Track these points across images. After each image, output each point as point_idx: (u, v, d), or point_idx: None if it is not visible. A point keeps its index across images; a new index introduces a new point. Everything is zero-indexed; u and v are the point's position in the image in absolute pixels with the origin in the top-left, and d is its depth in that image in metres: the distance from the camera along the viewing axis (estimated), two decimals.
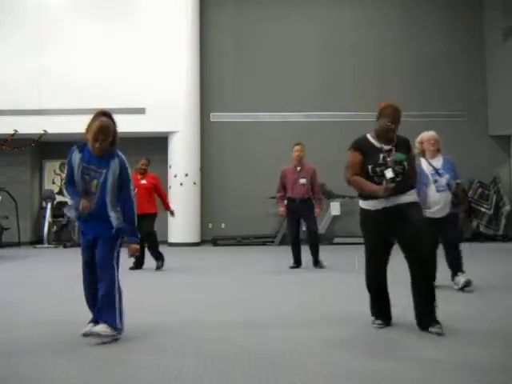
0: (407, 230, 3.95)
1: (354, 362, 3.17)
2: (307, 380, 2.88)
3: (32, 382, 2.92)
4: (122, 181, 3.85)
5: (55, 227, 13.36)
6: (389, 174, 3.94)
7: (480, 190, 13.04)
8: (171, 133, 12.81)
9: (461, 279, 5.68)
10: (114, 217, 3.83)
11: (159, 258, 8.18)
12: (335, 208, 12.71)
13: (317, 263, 7.93)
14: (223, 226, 13.42)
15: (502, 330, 3.98)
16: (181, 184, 12.56)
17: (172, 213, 8.41)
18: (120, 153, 3.91)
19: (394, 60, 13.65)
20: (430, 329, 3.82)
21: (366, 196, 4.07)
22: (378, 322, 4.11)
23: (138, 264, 8.12)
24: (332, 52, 13.67)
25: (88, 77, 12.42)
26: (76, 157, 3.83)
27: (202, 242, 13.18)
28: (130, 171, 3.93)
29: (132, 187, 3.96)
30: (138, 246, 3.97)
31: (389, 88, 13.40)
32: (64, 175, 4.08)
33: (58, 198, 13.86)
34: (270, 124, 13.49)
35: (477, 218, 12.98)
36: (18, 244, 12.87)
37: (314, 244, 8.00)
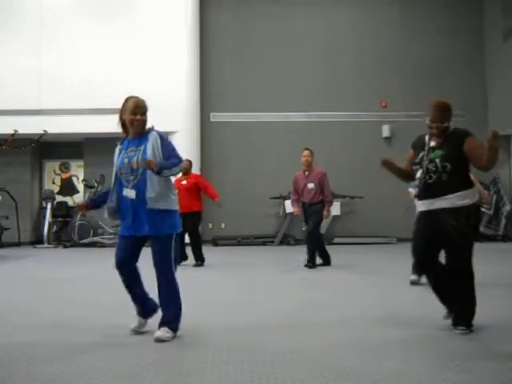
0: (444, 239, 3.81)
1: (354, 362, 3.17)
2: (307, 380, 2.88)
3: (31, 382, 2.92)
4: (165, 149, 3.80)
5: (55, 227, 13.36)
6: (417, 174, 3.90)
7: None
8: (171, 133, 12.80)
9: None
10: (156, 193, 3.69)
11: (200, 258, 8.52)
12: (335, 208, 12.69)
13: (309, 262, 7.96)
14: (223, 226, 13.41)
15: (501, 331, 3.98)
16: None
17: (218, 203, 8.67)
18: (154, 129, 3.97)
19: (394, 60, 13.65)
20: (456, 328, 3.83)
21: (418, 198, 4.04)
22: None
23: (179, 259, 8.35)
24: (332, 52, 13.67)
25: (88, 77, 12.41)
26: (118, 151, 3.93)
27: (202, 242, 13.16)
28: (168, 141, 3.92)
29: (177, 153, 3.84)
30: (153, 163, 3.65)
31: (389, 88, 13.41)
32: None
33: (58, 198, 13.87)
34: (270, 124, 13.48)
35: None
36: (18, 244, 12.87)
37: (308, 244, 8.08)
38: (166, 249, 3.78)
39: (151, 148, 3.77)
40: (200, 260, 8.53)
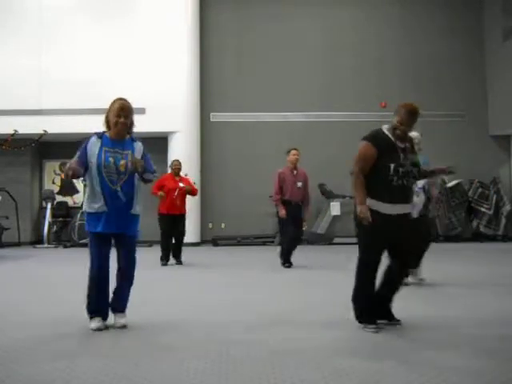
0: (406, 238, 3.91)
1: (353, 362, 3.17)
2: (307, 380, 2.88)
3: (31, 383, 2.92)
4: (146, 161, 4.08)
5: (55, 227, 13.36)
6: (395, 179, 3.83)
7: (480, 190, 13.04)
8: (171, 133, 12.81)
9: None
10: (137, 203, 4.07)
11: (180, 257, 8.75)
12: (335, 208, 12.71)
13: (288, 263, 8.17)
14: (223, 226, 13.42)
15: (501, 331, 3.98)
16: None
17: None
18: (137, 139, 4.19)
19: (394, 60, 13.66)
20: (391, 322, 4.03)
21: (376, 196, 3.83)
22: (372, 326, 3.90)
23: (168, 260, 8.67)
24: (332, 52, 13.68)
25: (88, 77, 12.42)
26: (96, 142, 4.01)
27: (202, 242, 13.17)
28: (149, 155, 4.19)
29: (153, 168, 4.19)
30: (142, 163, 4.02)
31: (389, 88, 13.41)
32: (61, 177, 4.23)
33: (58, 198, 13.87)
34: (269, 124, 13.49)
35: (477, 217, 12.98)
36: (18, 244, 12.87)
37: (295, 245, 8.22)
38: (134, 248, 4.19)
39: (139, 156, 4.07)
40: (180, 259, 8.73)
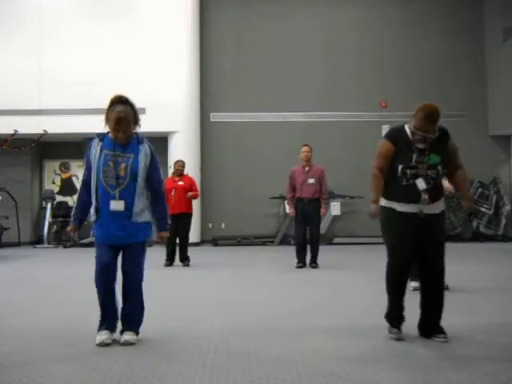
0: (431, 240, 3.70)
1: (354, 363, 3.17)
2: (307, 380, 2.88)
3: (30, 383, 2.91)
4: (152, 169, 3.76)
5: (55, 227, 13.35)
6: (421, 184, 3.62)
7: (480, 189, 13.03)
8: (171, 133, 12.81)
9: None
10: (140, 208, 3.70)
11: (187, 258, 8.67)
12: (335, 208, 12.70)
13: (314, 263, 8.08)
14: (223, 226, 13.41)
15: (501, 331, 3.98)
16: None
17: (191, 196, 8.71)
18: (146, 139, 3.84)
19: (395, 60, 13.64)
20: (435, 338, 3.66)
21: (391, 197, 3.74)
22: (396, 331, 3.72)
23: (172, 261, 8.60)
24: (332, 52, 13.67)
25: (88, 77, 12.40)
26: (96, 146, 3.73)
27: (202, 242, 13.16)
28: (158, 159, 3.85)
29: (161, 177, 3.86)
30: (167, 234, 3.93)
31: (389, 88, 13.41)
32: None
33: (58, 198, 13.87)
34: (270, 124, 13.48)
35: (477, 218, 12.98)
36: (18, 244, 12.86)
37: (315, 245, 8.14)
38: (139, 254, 3.80)
39: (143, 161, 3.72)
40: (187, 260, 8.67)
